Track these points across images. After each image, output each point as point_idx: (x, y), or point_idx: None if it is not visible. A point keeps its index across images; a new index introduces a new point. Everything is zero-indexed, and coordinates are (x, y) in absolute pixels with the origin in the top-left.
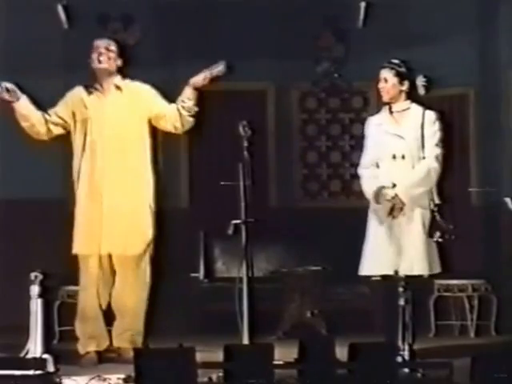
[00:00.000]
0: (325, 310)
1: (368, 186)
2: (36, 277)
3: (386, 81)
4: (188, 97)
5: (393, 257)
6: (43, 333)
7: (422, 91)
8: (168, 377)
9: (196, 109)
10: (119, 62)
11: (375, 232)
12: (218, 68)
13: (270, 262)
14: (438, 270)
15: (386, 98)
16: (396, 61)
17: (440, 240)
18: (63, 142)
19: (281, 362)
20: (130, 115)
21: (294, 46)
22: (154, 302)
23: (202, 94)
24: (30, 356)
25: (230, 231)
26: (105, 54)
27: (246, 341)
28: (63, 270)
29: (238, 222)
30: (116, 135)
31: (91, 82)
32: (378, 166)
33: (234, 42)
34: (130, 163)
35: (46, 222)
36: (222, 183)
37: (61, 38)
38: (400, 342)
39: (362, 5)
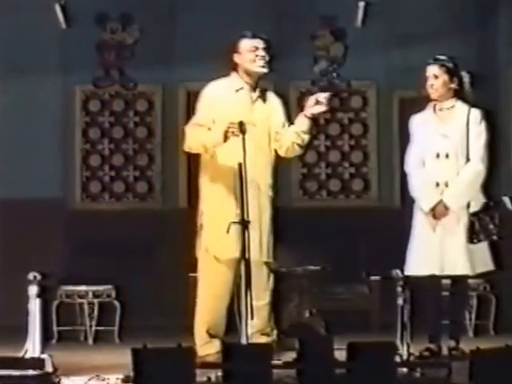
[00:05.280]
0: (323, 310)
1: (417, 186)
2: (34, 277)
3: (435, 77)
4: (304, 130)
5: (438, 257)
6: (42, 333)
7: (468, 87)
8: (167, 376)
9: (307, 141)
10: None
11: (420, 232)
12: (324, 96)
13: None
14: (482, 268)
15: (435, 96)
16: (443, 57)
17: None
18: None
19: (279, 362)
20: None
21: (292, 45)
22: (153, 301)
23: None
24: (28, 356)
25: (229, 231)
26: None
27: (244, 340)
28: (61, 270)
29: (237, 221)
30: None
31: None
32: (423, 165)
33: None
34: None
35: (46, 222)
36: None
37: (59, 38)
38: (398, 342)
39: (361, 4)
